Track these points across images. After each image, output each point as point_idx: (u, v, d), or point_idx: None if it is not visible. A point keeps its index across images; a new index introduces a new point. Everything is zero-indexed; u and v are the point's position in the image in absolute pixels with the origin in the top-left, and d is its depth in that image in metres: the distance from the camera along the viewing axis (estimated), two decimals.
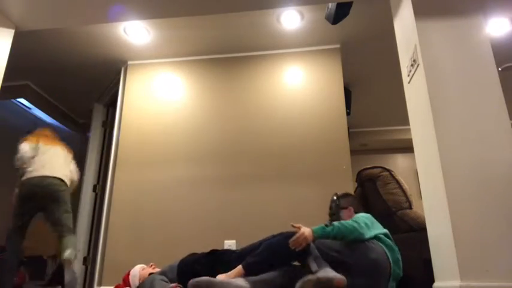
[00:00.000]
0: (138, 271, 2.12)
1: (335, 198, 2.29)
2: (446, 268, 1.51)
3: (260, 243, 1.84)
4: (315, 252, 1.74)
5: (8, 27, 2.36)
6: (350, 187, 2.85)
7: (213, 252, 1.96)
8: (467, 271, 1.38)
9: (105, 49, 3.35)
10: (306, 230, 1.72)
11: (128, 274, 2.15)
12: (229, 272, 1.70)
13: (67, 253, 2.58)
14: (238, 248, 2.04)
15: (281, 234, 1.82)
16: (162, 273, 1.98)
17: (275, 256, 1.73)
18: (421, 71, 1.72)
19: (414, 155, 1.86)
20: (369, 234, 1.87)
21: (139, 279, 2.07)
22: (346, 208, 2.24)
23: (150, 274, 2.06)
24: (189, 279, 1.81)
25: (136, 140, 3.25)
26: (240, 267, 1.69)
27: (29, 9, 2.30)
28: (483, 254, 1.40)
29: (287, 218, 2.79)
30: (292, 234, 1.76)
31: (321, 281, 1.54)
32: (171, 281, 1.88)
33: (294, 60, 3.33)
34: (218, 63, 3.42)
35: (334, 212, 2.23)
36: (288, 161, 2.99)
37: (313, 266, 1.63)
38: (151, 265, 2.19)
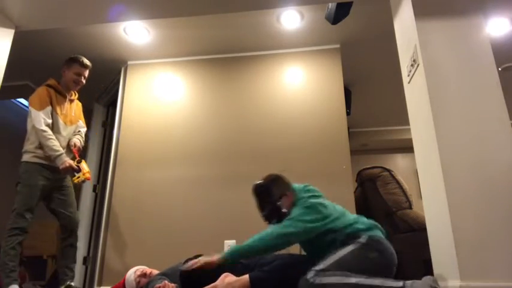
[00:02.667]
0: (133, 278, 2.08)
1: (261, 186, 1.86)
2: (446, 268, 1.51)
3: (273, 259, 1.76)
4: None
5: (8, 27, 2.36)
6: (350, 187, 2.85)
7: None
8: (467, 271, 1.38)
9: (105, 49, 3.35)
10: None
11: (124, 280, 2.13)
12: (236, 278, 1.66)
13: None
14: None
15: (291, 256, 1.75)
16: (163, 274, 1.97)
17: (285, 279, 1.61)
18: (421, 71, 1.72)
19: (414, 155, 1.86)
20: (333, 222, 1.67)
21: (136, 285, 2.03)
22: (285, 195, 1.82)
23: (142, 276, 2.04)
24: (191, 284, 1.79)
25: (136, 140, 3.25)
26: (246, 277, 1.64)
27: (29, 9, 2.29)
28: (483, 254, 1.40)
29: None
30: (302, 258, 1.72)
31: None
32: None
33: (294, 60, 3.32)
34: (218, 63, 3.42)
35: (272, 208, 1.78)
36: (288, 161, 2.99)
37: None
38: (145, 271, 2.12)
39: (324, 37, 3.21)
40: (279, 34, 3.17)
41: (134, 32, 3.12)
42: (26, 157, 2.45)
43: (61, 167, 2.40)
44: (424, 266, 2.31)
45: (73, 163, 2.43)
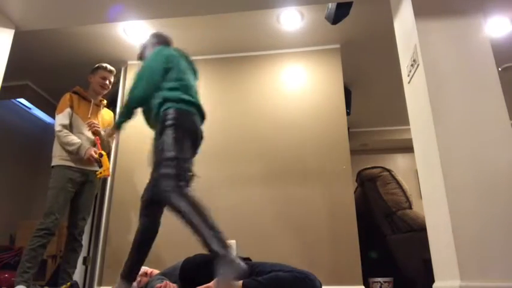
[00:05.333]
0: None
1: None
2: (446, 268, 1.51)
3: (270, 269, 1.76)
4: None
5: (8, 27, 2.36)
6: (350, 187, 2.85)
7: None
8: (467, 271, 1.38)
9: (105, 49, 3.35)
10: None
11: None
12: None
13: None
14: (242, 255, 1.96)
15: (292, 272, 1.75)
16: (162, 274, 1.97)
17: None
18: (421, 71, 1.72)
19: (414, 155, 1.86)
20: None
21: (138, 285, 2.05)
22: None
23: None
24: (190, 285, 1.79)
25: (137, 139, 3.25)
26: (240, 284, 1.64)
27: (29, 9, 2.30)
28: (483, 254, 1.40)
29: (287, 217, 2.79)
30: (303, 276, 1.71)
31: None
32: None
33: (294, 60, 3.33)
34: (218, 63, 3.42)
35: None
36: (288, 161, 2.99)
37: None
38: (146, 271, 2.14)
39: (324, 37, 3.21)
40: (279, 34, 3.18)
41: (134, 32, 3.12)
42: (53, 161, 2.52)
43: (85, 157, 2.47)
44: (424, 266, 2.32)
45: (94, 154, 2.47)
